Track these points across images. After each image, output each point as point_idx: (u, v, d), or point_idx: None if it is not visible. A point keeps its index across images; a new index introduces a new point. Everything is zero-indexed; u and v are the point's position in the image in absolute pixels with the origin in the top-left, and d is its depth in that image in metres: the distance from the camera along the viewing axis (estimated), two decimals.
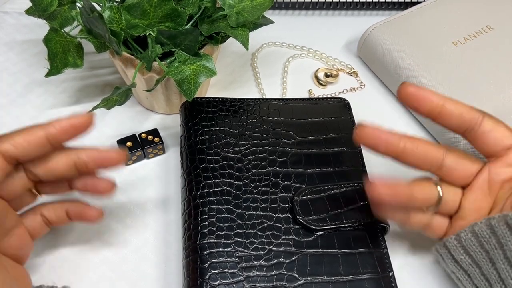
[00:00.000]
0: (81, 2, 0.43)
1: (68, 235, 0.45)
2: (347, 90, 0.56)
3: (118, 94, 0.43)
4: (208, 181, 0.43)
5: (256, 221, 0.42)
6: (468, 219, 0.40)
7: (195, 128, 0.46)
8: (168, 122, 0.52)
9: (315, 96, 0.55)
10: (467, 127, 0.39)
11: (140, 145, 0.48)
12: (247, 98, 0.49)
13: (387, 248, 0.42)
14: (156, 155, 0.49)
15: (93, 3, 0.43)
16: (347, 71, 0.58)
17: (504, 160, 0.39)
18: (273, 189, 0.43)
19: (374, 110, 0.54)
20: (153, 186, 0.48)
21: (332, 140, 0.47)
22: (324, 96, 0.55)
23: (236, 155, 0.45)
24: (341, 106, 0.50)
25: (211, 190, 0.43)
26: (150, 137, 0.48)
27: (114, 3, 0.44)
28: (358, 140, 0.39)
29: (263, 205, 0.42)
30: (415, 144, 0.39)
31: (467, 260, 0.39)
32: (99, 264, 0.43)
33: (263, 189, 0.43)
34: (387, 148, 0.39)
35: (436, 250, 0.41)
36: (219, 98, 0.48)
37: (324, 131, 0.47)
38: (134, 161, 0.49)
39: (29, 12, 0.47)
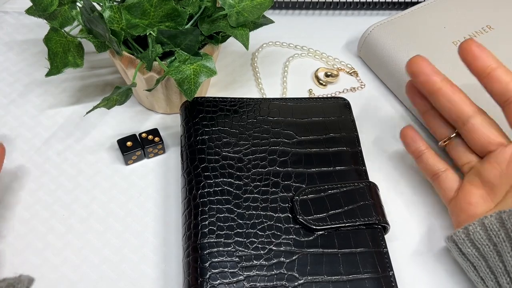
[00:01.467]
0: (82, 1, 0.43)
1: (68, 234, 0.45)
2: (347, 89, 0.56)
3: (118, 94, 0.43)
4: (208, 181, 0.43)
5: (256, 221, 0.42)
6: (476, 188, 0.42)
7: (195, 127, 0.46)
8: (168, 122, 0.52)
9: (315, 96, 0.55)
10: (509, 97, 0.40)
11: (140, 145, 0.48)
12: (247, 98, 0.49)
13: (387, 248, 0.42)
14: (156, 154, 0.49)
15: (93, 3, 0.43)
16: (347, 70, 0.58)
17: None
18: (274, 189, 0.43)
19: (374, 110, 0.54)
20: (153, 186, 0.48)
21: (332, 140, 0.47)
22: (324, 96, 0.55)
23: (236, 155, 0.45)
24: (341, 106, 0.50)
25: (211, 190, 0.43)
26: (150, 136, 0.48)
27: (115, 3, 0.44)
28: (409, 67, 0.43)
29: (263, 204, 0.42)
30: (452, 90, 0.42)
31: (473, 253, 0.39)
32: (99, 264, 0.43)
33: (263, 188, 0.43)
34: (424, 84, 0.43)
35: (446, 241, 0.42)
36: (219, 97, 0.48)
37: (324, 131, 0.47)
38: (134, 161, 0.49)
39: (29, 12, 0.47)
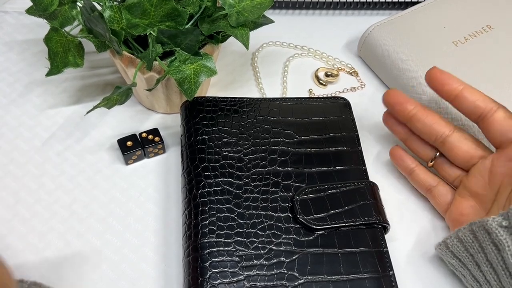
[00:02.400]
0: (82, 1, 0.43)
1: (67, 234, 0.45)
2: (347, 89, 0.56)
3: (118, 94, 0.43)
4: (209, 181, 0.43)
5: (256, 220, 0.42)
6: (466, 199, 0.43)
7: (196, 127, 0.46)
8: (168, 122, 0.52)
9: (316, 96, 0.55)
10: (480, 114, 0.42)
11: (140, 145, 0.48)
12: (247, 98, 0.49)
13: (387, 247, 0.42)
14: (156, 154, 0.49)
15: (93, 3, 0.43)
16: (348, 70, 0.58)
17: (506, 152, 0.41)
18: (274, 189, 0.43)
19: (374, 109, 0.54)
20: (153, 186, 0.48)
21: (332, 140, 0.47)
22: (325, 96, 0.55)
23: (236, 155, 0.45)
24: (341, 106, 0.50)
25: (211, 190, 0.43)
26: (150, 136, 0.48)
27: (115, 3, 0.44)
28: (384, 99, 0.46)
29: (263, 204, 0.42)
30: (425, 114, 0.44)
31: (457, 263, 0.41)
32: (99, 264, 0.43)
33: (263, 188, 0.43)
34: (399, 112, 0.45)
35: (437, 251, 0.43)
36: (219, 97, 0.48)
37: (324, 131, 0.47)
38: (135, 161, 0.49)
39: (29, 11, 0.47)
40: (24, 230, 0.45)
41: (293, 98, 0.50)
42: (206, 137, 0.45)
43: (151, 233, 0.45)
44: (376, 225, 0.42)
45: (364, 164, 0.46)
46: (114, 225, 0.45)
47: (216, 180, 0.43)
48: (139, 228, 0.45)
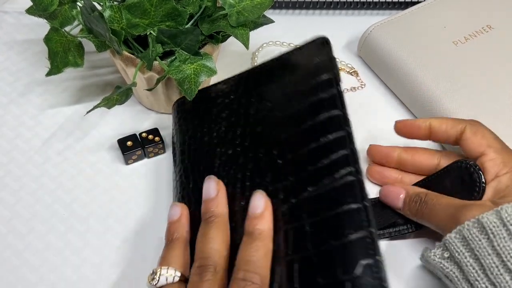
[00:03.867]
0: (82, 1, 0.43)
1: (68, 235, 0.45)
2: (347, 89, 0.56)
3: (118, 94, 0.43)
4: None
5: None
6: None
7: (181, 126, 0.46)
8: (168, 122, 0.52)
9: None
10: (455, 138, 0.43)
11: (140, 145, 0.48)
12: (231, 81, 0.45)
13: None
14: (156, 154, 0.49)
15: (93, 3, 0.43)
16: (348, 70, 0.58)
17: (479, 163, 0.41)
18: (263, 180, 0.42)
19: (374, 109, 0.54)
20: (154, 186, 0.48)
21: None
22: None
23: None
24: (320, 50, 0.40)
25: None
26: (150, 136, 0.48)
27: (115, 3, 0.44)
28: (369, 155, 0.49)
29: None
30: (410, 154, 0.46)
31: (442, 275, 0.39)
32: (99, 264, 0.43)
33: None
34: (388, 164, 0.47)
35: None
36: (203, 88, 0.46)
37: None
38: (135, 161, 0.49)
39: (29, 11, 0.47)
40: (24, 230, 0.45)
41: (270, 61, 0.44)
42: (191, 134, 0.45)
43: (151, 233, 0.45)
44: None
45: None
46: (114, 225, 0.45)
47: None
48: (139, 228, 0.45)
